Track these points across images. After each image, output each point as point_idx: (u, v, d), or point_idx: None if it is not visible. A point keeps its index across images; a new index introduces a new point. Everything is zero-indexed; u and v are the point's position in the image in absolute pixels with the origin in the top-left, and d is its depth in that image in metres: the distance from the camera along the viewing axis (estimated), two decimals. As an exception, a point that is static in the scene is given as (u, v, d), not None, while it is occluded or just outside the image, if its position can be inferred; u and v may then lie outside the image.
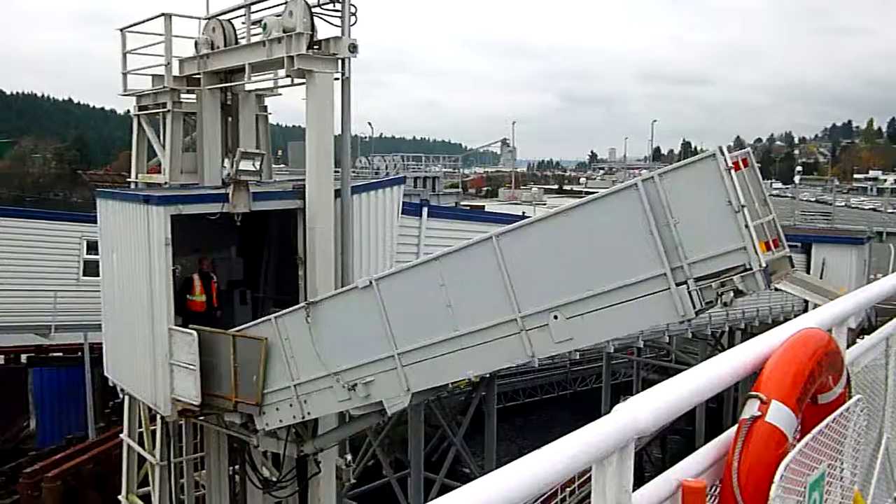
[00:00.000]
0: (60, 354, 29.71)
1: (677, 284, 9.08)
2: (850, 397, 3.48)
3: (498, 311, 10.34)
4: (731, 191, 8.68)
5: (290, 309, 12.98)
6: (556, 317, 9.89)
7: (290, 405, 12.89)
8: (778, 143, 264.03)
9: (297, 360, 12.69)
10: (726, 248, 8.81)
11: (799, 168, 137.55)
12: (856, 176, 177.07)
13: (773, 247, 9.21)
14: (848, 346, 4.20)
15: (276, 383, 13.03)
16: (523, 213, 52.95)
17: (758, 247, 8.70)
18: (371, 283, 11.56)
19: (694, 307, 9.03)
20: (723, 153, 8.74)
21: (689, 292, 9.05)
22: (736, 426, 2.95)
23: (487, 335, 10.52)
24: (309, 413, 12.86)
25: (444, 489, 24.19)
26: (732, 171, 8.68)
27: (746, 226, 8.66)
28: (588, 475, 2.39)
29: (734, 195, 8.67)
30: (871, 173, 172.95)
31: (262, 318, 13.46)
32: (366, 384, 11.83)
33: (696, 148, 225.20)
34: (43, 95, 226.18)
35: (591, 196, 10.23)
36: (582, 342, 10.21)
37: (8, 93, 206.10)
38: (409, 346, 11.32)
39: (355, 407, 12.40)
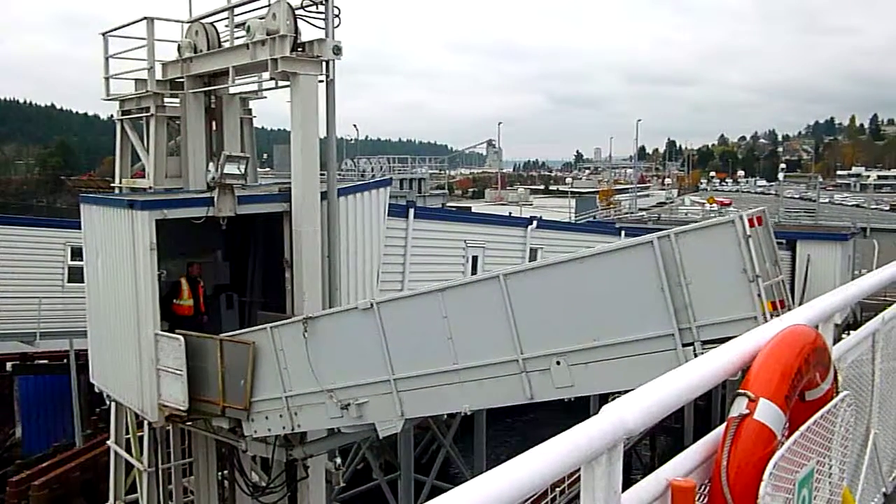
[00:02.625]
0: (46, 362, 29.49)
1: (684, 345, 8.93)
2: (837, 393, 3.48)
3: (500, 350, 10.18)
4: (748, 259, 8.53)
5: (288, 320, 12.89)
6: (558, 362, 9.74)
7: (281, 416, 12.81)
8: (762, 140, 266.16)
9: (290, 372, 12.60)
10: (737, 316, 8.66)
11: (783, 165, 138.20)
12: (839, 173, 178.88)
13: (779, 307, 8.99)
14: (834, 342, 4.21)
15: (267, 392, 12.95)
16: (510, 213, 53.19)
17: (769, 318, 8.47)
18: (372, 305, 11.41)
19: None
20: (742, 220, 8.60)
21: (696, 354, 8.81)
22: (724, 424, 2.95)
23: (487, 372, 10.35)
24: (299, 426, 12.78)
25: (435, 491, 24.20)
26: (750, 239, 8.55)
27: (759, 295, 8.50)
28: (578, 474, 2.38)
29: (749, 264, 8.53)
30: (854, 170, 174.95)
31: (258, 326, 13.36)
32: (359, 405, 11.71)
33: (680, 147, 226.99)
34: (25, 101, 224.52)
35: (605, 246, 10.05)
36: (582, 390, 10.01)
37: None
38: (406, 372, 11.18)
39: (346, 426, 12.27)
